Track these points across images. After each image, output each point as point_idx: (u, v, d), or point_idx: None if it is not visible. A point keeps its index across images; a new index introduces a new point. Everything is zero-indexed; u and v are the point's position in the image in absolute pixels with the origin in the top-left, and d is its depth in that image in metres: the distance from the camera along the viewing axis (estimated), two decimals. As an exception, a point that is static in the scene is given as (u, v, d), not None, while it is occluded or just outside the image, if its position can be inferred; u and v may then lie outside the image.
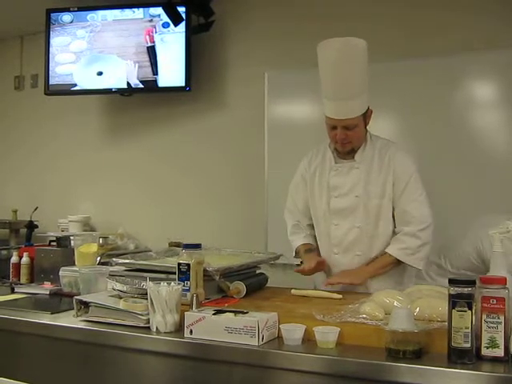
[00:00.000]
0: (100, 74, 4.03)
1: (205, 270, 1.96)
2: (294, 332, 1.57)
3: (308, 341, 1.57)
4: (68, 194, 4.51)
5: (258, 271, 2.39)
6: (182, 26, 3.78)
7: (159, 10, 3.85)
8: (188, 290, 1.86)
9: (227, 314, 1.65)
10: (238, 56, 3.94)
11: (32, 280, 2.60)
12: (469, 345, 1.37)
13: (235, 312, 1.66)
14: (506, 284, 1.39)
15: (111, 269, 2.22)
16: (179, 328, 1.71)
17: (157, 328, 1.71)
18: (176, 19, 3.70)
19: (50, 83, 4.14)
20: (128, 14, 3.98)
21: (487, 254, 2.44)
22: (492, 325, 1.37)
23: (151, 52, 3.93)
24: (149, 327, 1.74)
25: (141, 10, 3.95)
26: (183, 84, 3.87)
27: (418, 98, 3.30)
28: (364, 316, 1.63)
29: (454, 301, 1.39)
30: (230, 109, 3.97)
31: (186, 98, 4.01)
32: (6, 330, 1.99)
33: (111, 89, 4.05)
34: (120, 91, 4.08)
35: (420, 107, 3.30)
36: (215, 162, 4.00)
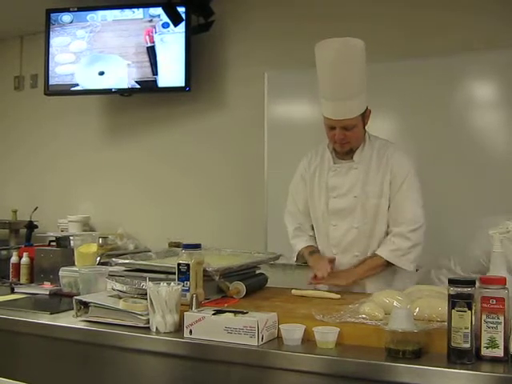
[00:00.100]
0: (102, 73, 4.03)
1: (204, 270, 1.96)
2: (293, 332, 1.57)
3: (308, 341, 1.57)
4: (68, 194, 4.51)
5: (257, 271, 2.39)
6: (182, 26, 3.78)
7: (159, 10, 3.85)
8: (188, 290, 1.86)
9: (227, 314, 1.65)
10: (237, 56, 3.94)
11: (32, 280, 2.60)
12: (468, 345, 1.37)
13: (235, 312, 1.66)
14: (505, 284, 1.39)
15: (111, 269, 2.22)
16: (179, 328, 1.71)
17: (156, 328, 1.71)
18: (176, 19, 3.70)
19: (50, 83, 4.14)
20: (128, 14, 3.98)
21: None
22: (492, 325, 1.37)
23: (151, 52, 3.93)
24: (148, 327, 1.74)
25: (140, 10, 3.95)
26: (183, 84, 3.87)
27: (418, 98, 3.30)
28: (364, 316, 1.63)
29: (454, 301, 1.39)
30: (230, 109, 3.97)
31: (185, 98, 4.01)
32: (6, 330, 1.99)
33: (111, 89, 4.05)
34: (120, 91, 4.08)
35: (420, 107, 3.30)
36: (215, 162, 4.00)
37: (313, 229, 2.52)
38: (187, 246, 1.95)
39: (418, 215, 2.30)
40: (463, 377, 1.33)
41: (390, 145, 2.42)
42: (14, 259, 2.69)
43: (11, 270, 2.68)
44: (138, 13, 3.96)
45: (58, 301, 2.26)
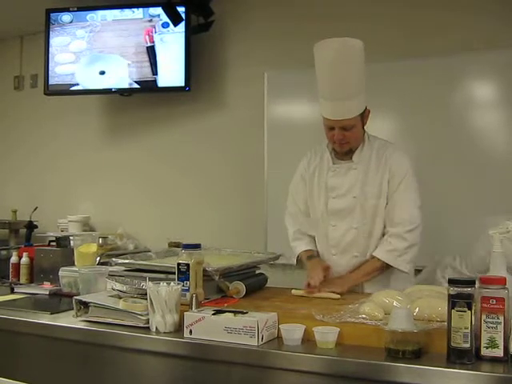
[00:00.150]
0: (102, 73, 4.03)
1: (204, 270, 1.96)
2: (293, 332, 1.57)
3: (308, 341, 1.57)
4: (68, 194, 4.51)
5: (257, 271, 2.39)
6: (182, 26, 3.78)
7: (159, 10, 3.84)
8: (187, 290, 1.86)
9: (227, 314, 1.65)
10: (237, 56, 3.94)
11: (31, 280, 2.60)
12: (468, 345, 1.37)
13: (235, 312, 1.66)
14: (505, 284, 1.39)
15: (111, 269, 2.22)
16: (179, 328, 1.71)
17: (156, 328, 1.71)
18: (176, 19, 3.70)
19: (50, 83, 4.14)
20: (128, 14, 3.98)
21: None
22: (491, 325, 1.37)
23: (151, 52, 3.93)
24: (148, 327, 1.74)
25: (140, 10, 3.95)
26: (183, 84, 3.87)
27: (418, 98, 3.30)
28: (363, 316, 1.63)
29: (454, 301, 1.39)
30: (230, 109, 3.97)
31: (185, 98, 4.01)
32: (6, 330, 1.99)
33: (111, 89, 4.05)
34: (120, 91, 4.08)
35: (420, 107, 3.30)
36: (215, 162, 4.00)
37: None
38: (187, 246, 1.95)
39: (415, 216, 2.30)
40: (463, 377, 1.33)
41: (389, 145, 2.42)
42: (13, 259, 2.70)
43: (11, 270, 2.68)
44: (138, 13, 3.96)
45: (58, 301, 2.26)
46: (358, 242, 2.35)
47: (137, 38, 3.95)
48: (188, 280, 1.88)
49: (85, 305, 1.88)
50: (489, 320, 1.37)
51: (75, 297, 1.91)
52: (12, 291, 2.46)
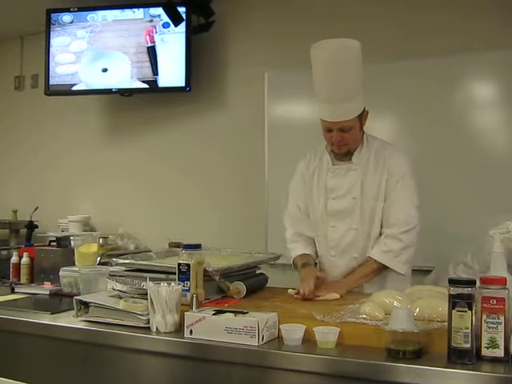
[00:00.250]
0: (105, 70, 4.03)
1: (205, 271, 1.97)
2: (293, 332, 1.57)
3: (308, 341, 1.57)
4: (68, 194, 4.51)
5: (257, 271, 2.39)
6: (182, 26, 3.78)
7: (159, 11, 3.84)
8: (188, 291, 1.86)
9: (227, 314, 1.65)
10: (237, 56, 3.94)
11: (32, 280, 2.60)
12: (469, 345, 1.37)
13: (235, 312, 1.66)
14: (506, 284, 1.39)
15: (111, 269, 2.22)
16: (179, 328, 1.71)
17: (157, 328, 1.71)
18: (176, 19, 3.70)
19: (50, 83, 4.14)
20: (128, 14, 3.98)
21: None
22: (492, 325, 1.37)
23: (151, 52, 3.93)
24: (149, 327, 1.74)
25: (141, 10, 3.95)
26: (183, 84, 3.87)
27: (418, 99, 3.30)
28: (364, 316, 1.63)
29: (454, 301, 1.39)
30: (230, 109, 3.97)
31: (186, 98, 4.01)
32: (6, 330, 1.99)
33: (111, 89, 4.05)
34: (120, 91, 4.08)
35: (419, 107, 3.30)
36: (215, 162, 4.00)
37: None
38: (187, 246, 1.96)
39: (411, 216, 2.28)
40: (463, 377, 1.33)
41: (388, 146, 2.41)
42: (14, 259, 2.70)
43: (11, 269, 2.69)
44: (139, 13, 3.96)
45: (59, 301, 2.26)
46: (357, 243, 2.34)
47: (137, 38, 3.95)
48: (188, 280, 1.88)
49: (85, 305, 1.88)
50: (489, 320, 1.38)
51: (75, 297, 1.91)
52: (12, 291, 2.46)
